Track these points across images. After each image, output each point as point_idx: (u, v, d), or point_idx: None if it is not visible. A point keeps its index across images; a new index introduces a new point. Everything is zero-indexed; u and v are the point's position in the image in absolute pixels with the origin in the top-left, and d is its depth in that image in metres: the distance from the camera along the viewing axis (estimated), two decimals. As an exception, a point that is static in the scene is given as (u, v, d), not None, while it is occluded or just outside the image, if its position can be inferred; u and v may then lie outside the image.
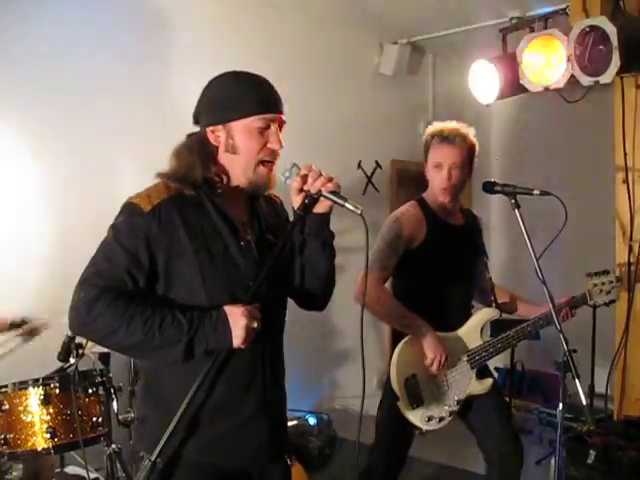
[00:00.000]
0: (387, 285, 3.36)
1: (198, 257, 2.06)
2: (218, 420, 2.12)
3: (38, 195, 4.41)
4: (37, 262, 4.34)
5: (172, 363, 2.05)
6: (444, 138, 3.30)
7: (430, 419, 3.23)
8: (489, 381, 3.35)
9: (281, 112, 2.19)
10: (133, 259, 2.02)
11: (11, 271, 4.25)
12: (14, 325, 3.69)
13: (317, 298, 2.37)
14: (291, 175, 2.15)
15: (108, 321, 1.98)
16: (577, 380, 2.70)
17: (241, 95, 2.12)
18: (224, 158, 2.16)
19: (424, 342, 3.19)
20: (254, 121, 2.11)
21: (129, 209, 2.08)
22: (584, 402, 2.70)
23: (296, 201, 2.17)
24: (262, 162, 2.15)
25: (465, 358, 3.32)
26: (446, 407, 3.27)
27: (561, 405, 2.82)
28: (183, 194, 2.10)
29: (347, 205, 2.08)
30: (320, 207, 2.17)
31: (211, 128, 2.14)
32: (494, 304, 3.45)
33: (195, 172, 2.11)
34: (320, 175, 2.12)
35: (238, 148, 2.13)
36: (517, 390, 6.45)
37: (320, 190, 2.11)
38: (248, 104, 2.12)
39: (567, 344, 2.76)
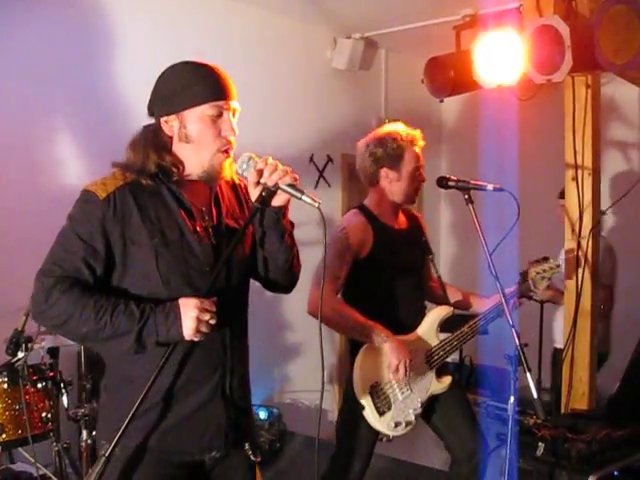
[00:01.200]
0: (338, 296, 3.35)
1: (153, 242, 2.07)
2: (176, 406, 2.12)
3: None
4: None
5: (127, 353, 2.04)
6: (418, 141, 3.36)
7: (397, 425, 3.23)
8: (448, 379, 3.38)
9: (233, 99, 2.18)
10: (89, 248, 2.03)
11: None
12: None
13: (280, 286, 2.40)
14: (248, 168, 2.14)
15: (62, 309, 2.00)
16: (528, 373, 2.75)
17: (192, 84, 2.12)
18: (178, 148, 2.16)
19: (386, 348, 3.17)
20: (206, 109, 2.11)
21: (84, 197, 2.09)
22: (535, 395, 2.76)
23: (253, 194, 2.17)
24: (219, 151, 2.15)
25: (424, 359, 3.32)
26: (411, 410, 3.27)
27: (513, 398, 2.86)
28: (139, 182, 2.10)
29: (304, 198, 2.09)
30: (278, 200, 2.17)
31: (164, 118, 2.14)
32: (446, 301, 3.49)
33: (150, 163, 2.11)
34: (277, 168, 2.12)
35: (192, 137, 2.13)
36: (466, 384, 6.53)
37: (277, 183, 2.11)
38: (199, 92, 2.11)
39: (519, 338, 2.81)
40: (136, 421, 2.03)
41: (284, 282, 2.38)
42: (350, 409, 3.28)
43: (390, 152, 3.34)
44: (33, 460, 3.33)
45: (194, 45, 5.11)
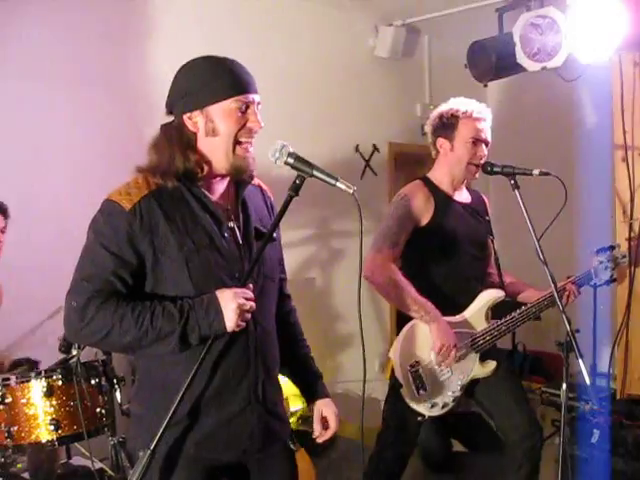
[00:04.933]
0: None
1: (182, 251, 2.04)
2: (210, 413, 2.11)
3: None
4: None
5: (171, 354, 2.04)
6: (479, 114, 3.31)
7: (434, 406, 3.21)
8: (492, 364, 3.33)
9: (256, 92, 2.15)
10: (119, 260, 2.01)
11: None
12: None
13: None
14: (281, 156, 2.11)
15: (100, 324, 1.99)
16: (580, 360, 2.70)
17: (216, 78, 2.08)
18: (205, 143, 2.12)
19: (433, 329, 3.16)
20: (231, 102, 2.08)
21: (109, 208, 2.05)
22: (587, 381, 2.71)
23: None
24: (238, 143, 2.11)
25: (470, 342, 3.30)
26: (450, 393, 3.24)
27: (565, 385, 2.82)
28: (162, 188, 2.07)
29: (339, 184, 2.05)
30: None
31: (188, 115, 2.10)
32: (500, 285, 3.43)
33: (176, 163, 2.08)
34: None
35: (218, 130, 2.09)
36: (519, 371, 6.46)
37: (312, 170, 2.08)
38: (224, 86, 2.08)
39: (570, 324, 2.77)
40: (173, 429, 2.05)
41: None
42: (393, 386, 3.28)
43: (445, 121, 3.35)
44: (89, 454, 3.39)
45: (233, 37, 5.15)
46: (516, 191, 3.02)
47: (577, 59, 3.67)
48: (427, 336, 3.18)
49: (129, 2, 4.79)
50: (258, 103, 2.15)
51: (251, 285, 2.07)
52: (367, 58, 6.52)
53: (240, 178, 2.18)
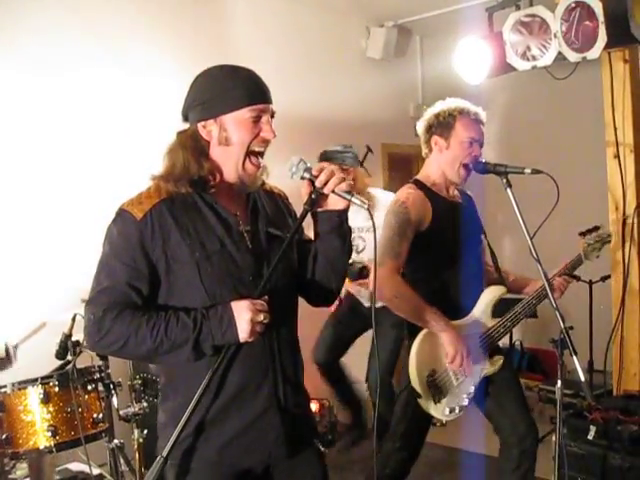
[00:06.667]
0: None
1: (194, 257, 2.06)
2: (231, 418, 2.12)
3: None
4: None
5: (186, 362, 2.06)
6: (475, 115, 3.30)
7: (452, 411, 3.20)
8: (500, 359, 3.33)
9: (270, 102, 2.18)
10: (133, 271, 2.04)
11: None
12: None
13: (331, 293, 2.37)
14: (298, 171, 2.14)
15: (117, 335, 2.02)
16: (574, 356, 2.70)
17: (231, 88, 2.11)
18: (217, 152, 2.14)
19: (444, 338, 3.14)
20: (245, 112, 2.10)
21: (121, 218, 2.08)
22: (582, 378, 2.71)
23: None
24: (252, 153, 2.13)
25: (479, 342, 3.28)
26: (465, 395, 3.24)
27: (560, 382, 2.82)
28: (174, 195, 2.10)
29: (354, 200, 2.10)
30: (338, 204, 2.18)
31: (202, 123, 2.13)
32: (500, 280, 3.42)
33: (190, 170, 2.10)
34: (333, 175, 2.12)
35: (231, 139, 2.11)
36: (517, 368, 6.48)
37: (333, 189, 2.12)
38: (239, 96, 2.10)
39: (564, 321, 2.77)
40: (194, 437, 2.08)
41: (335, 288, 2.35)
42: (405, 397, 3.27)
43: (441, 120, 3.32)
44: (86, 459, 3.39)
45: (229, 40, 5.16)
46: (508, 190, 3.02)
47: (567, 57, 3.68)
48: (439, 345, 3.17)
49: None
50: (273, 113, 2.17)
51: (267, 297, 2.07)
52: (359, 59, 6.55)
53: (249, 187, 2.20)
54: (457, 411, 3.23)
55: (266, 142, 2.15)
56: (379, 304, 4.10)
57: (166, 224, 2.06)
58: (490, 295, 3.35)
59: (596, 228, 3.52)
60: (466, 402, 3.25)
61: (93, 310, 2.04)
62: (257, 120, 2.12)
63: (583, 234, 3.50)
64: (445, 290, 3.27)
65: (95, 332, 2.03)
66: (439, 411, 3.19)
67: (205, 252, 2.07)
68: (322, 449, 2.32)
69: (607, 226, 4.13)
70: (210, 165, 2.13)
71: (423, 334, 3.19)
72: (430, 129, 3.36)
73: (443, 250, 3.27)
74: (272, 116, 2.17)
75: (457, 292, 3.28)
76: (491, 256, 3.49)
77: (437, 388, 3.17)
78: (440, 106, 3.37)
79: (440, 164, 3.36)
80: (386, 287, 3.09)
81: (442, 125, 3.32)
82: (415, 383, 3.15)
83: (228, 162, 2.14)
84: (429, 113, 3.40)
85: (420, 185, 3.35)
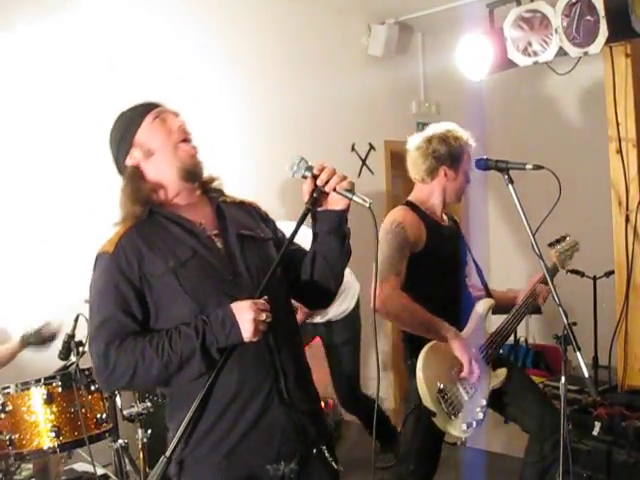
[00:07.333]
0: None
1: (169, 266, 2.09)
2: (237, 420, 2.11)
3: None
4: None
5: (202, 374, 2.05)
6: (472, 141, 3.35)
7: (469, 426, 3.14)
8: (503, 371, 3.32)
9: (164, 106, 2.29)
10: (120, 298, 2.08)
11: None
12: (27, 340, 3.67)
13: (329, 295, 2.37)
14: (299, 169, 2.14)
15: (125, 364, 2.03)
16: (578, 353, 2.69)
17: (129, 116, 2.25)
18: (150, 168, 2.21)
19: (456, 346, 3.11)
20: (149, 119, 2.21)
21: (99, 261, 2.15)
22: (586, 374, 2.70)
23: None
24: (177, 144, 2.20)
25: (481, 354, 3.26)
26: (478, 409, 3.18)
27: (563, 378, 2.82)
28: (139, 223, 2.16)
29: (355, 198, 2.09)
30: (338, 204, 2.17)
31: (127, 157, 2.22)
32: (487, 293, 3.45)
33: (136, 200, 2.17)
34: (334, 174, 2.13)
35: (153, 147, 2.19)
36: (522, 365, 6.47)
37: (334, 188, 2.12)
38: (137, 113, 2.24)
39: (567, 317, 2.76)
40: (202, 444, 2.08)
41: (334, 289, 2.33)
42: (415, 416, 3.19)
43: (452, 151, 3.30)
44: (90, 459, 3.39)
45: (229, 39, 5.16)
46: (510, 186, 3.01)
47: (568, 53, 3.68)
48: (444, 358, 3.13)
49: None
50: (175, 114, 2.27)
51: (267, 297, 2.07)
52: (361, 57, 6.52)
53: (196, 178, 2.24)
54: (474, 425, 3.16)
55: (182, 131, 2.22)
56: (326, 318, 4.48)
57: (137, 245, 2.11)
58: (481, 308, 3.37)
59: (563, 238, 3.55)
60: (481, 415, 3.18)
61: (95, 347, 2.06)
62: (163, 120, 2.22)
63: (552, 245, 3.51)
64: (436, 310, 3.20)
65: (103, 368, 2.04)
66: (456, 428, 3.12)
67: (178, 260, 2.10)
68: (336, 467, 2.26)
69: (611, 222, 4.13)
70: (149, 184, 2.20)
71: (425, 351, 3.14)
72: (439, 159, 3.32)
73: (434, 272, 3.25)
74: (176, 116, 2.27)
75: (453, 310, 3.27)
76: (478, 275, 3.50)
77: (449, 403, 3.11)
78: (443, 132, 3.33)
79: (446, 191, 3.37)
80: (391, 302, 3.07)
81: (453, 157, 3.31)
82: (427, 401, 3.08)
83: (163, 167, 2.20)
84: (434, 141, 3.33)
85: (414, 207, 3.34)
